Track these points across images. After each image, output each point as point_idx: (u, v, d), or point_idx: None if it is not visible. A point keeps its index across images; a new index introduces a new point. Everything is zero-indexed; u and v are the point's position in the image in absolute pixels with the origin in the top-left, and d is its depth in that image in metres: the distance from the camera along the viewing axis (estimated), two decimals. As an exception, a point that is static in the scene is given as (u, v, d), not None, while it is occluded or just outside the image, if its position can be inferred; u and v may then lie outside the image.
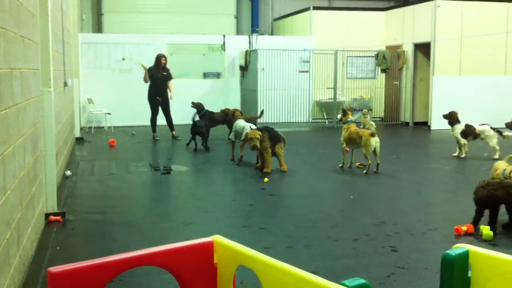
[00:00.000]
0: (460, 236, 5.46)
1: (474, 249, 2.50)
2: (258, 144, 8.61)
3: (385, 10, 17.83)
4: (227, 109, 12.24)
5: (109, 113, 14.36)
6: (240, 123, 9.87)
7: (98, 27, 19.11)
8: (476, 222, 5.69)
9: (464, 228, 5.53)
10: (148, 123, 12.88)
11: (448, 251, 2.47)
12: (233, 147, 9.93)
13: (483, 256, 2.46)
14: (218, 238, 2.79)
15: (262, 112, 12.77)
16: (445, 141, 12.86)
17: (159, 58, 12.68)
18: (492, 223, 5.63)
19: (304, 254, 5.07)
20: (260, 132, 8.71)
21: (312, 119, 16.44)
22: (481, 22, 15.06)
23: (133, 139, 12.77)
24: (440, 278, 2.47)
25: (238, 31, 19.95)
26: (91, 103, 14.38)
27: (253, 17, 20.31)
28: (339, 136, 13.36)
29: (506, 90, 15.27)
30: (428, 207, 6.83)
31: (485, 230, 5.47)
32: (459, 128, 10.36)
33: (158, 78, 12.59)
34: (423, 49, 15.81)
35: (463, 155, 10.26)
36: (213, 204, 6.95)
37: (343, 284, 2.15)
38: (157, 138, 12.56)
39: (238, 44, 16.48)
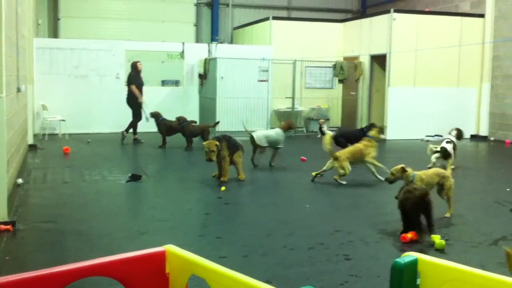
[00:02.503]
0: (411, 244, 5.55)
1: (423, 257, 2.55)
2: (213, 158, 8.57)
3: (342, 21, 18.15)
4: (181, 116, 12.33)
5: (63, 120, 14.08)
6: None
7: (54, 32, 18.76)
8: (405, 229, 5.77)
9: (409, 235, 5.65)
10: (105, 130, 12.77)
11: (397, 259, 2.51)
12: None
13: (431, 264, 2.51)
14: (170, 248, 2.76)
15: (217, 123, 12.83)
16: (400, 151, 13.14)
17: (136, 64, 13.32)
18: (414, 228, 5.71)
19: (260, 263, 5.06)
20: (217, 143, 8.64)
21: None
22: (435, 35, 15.48)
23: (88, 147, 12.54)
24: (390, 286, 2.51)
25: (198, 39, 19.94)
26: (45, 110, 14.07)
27: (213, 25, 20.34)
28: (296, 145, 13.52)
29: (458, 101, 15.73)
30: (382, 216, 6.92)
31: (437, 239, 5.59)
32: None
33: (141, 84, 13.28)
34: (379, 60, 16.14)
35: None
36: (169, 213, 6.88)
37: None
38: (142, 141, 13.01)
39: (197, 52, 16.46)
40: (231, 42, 20.27)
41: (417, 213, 5.71)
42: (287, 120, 11.90)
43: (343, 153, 8.86)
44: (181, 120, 12.39)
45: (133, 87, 13.09)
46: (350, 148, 9.11)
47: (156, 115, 12.59)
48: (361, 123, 16.68)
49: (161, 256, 2.73)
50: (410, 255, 2.54)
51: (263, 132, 10.54)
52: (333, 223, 6.43)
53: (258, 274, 4.70)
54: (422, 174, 6.75)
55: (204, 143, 8.83)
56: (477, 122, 16.00)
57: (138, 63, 13.31)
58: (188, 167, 10.46)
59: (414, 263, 2.50)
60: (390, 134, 15.21)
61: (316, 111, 17.03)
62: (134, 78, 13.19)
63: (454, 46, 15.49)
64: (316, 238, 5.81)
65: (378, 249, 5.50)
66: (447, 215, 6.76)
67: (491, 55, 15.95)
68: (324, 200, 7.83)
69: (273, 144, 10.23)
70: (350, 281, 4.59)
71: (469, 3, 16.92)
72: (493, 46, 15.86)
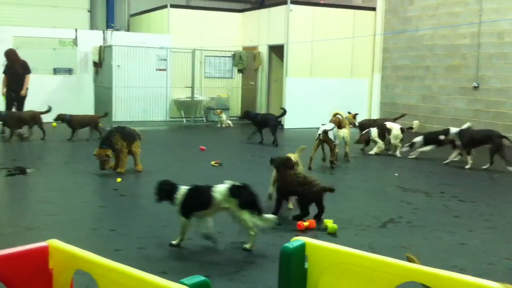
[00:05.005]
0: (305, 231, 5.69)
1: (310, 241, 2.61)
2: (107, 166, 8.34)
3: (241, 11, 18.22)
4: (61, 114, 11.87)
5: None
6: None
7: None
8: (276, 210, 6.09)
9: (306, 223, 5.79)
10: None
11: (286, 244, 2.55)
12: None
13: (318, 248, 2.58)
14: (54, 243, 2.63)
15: (106, 114, 12.42)
16: (298, 139, 13.44)
17: (8, 54, 12.28)
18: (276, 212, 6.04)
19: (156, 254, 4.98)
20: (108, 152, 8.33)
21: (170, 118, 16.32)
22: (329, 27, 15.98)
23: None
24: (279, 270, 2.54)
25: (92, 26, 19.18)
26: None
27: (108, 12, 19.65)
28: (197, 135, 13.44)
29: (352, 91, 16.36)
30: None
31: (329, 223, 5.78)
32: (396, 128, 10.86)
33: (14, 74, 12.11)
34: (277, 51, 16.40)
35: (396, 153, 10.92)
36: (61, 206, 6.59)
37: (182, 283, 2.12)
38: (25, 135, 12.01)
39: (91, 39, 15.88)
40: (128, 29, 19.71)
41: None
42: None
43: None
44: (61, 116, 11.83)
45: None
46: None
47: (61, 118, 11.91)
48: (261, 112, 16.89)
49: (44, 252, 2.60)
50: (298, 240, 2.59)
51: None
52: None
53: (154, 266, 4.62)
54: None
55: (95, 153, 8.37)
56: (369, 111, 16.74)
57: (12, 53, 12.31)
58: (83, 159, 10.06)
59: (302, 247, 2.55)
60: (288, 123, 15.54)
61: (216, 101, 17.04)
62: (4, 72, 12.33)
63: (348, 38, 16.07)
64: (214, 227, 5.79)
65: (275, 236, 5.58)
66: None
67: (381, 47, 16.74)
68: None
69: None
70: (246, 267, 4.64)
71: (362, -3, 17.63)
72: (383, 38, 16.64)
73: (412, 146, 10.67)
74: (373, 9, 16.71)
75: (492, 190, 8.26)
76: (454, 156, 10.23)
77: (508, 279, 4.51)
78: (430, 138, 10.62)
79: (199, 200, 5.05)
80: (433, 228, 6.00)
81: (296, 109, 15.50)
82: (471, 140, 9.90)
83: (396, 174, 9.25)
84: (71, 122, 11.87)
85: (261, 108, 16.94)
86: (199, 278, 2.16)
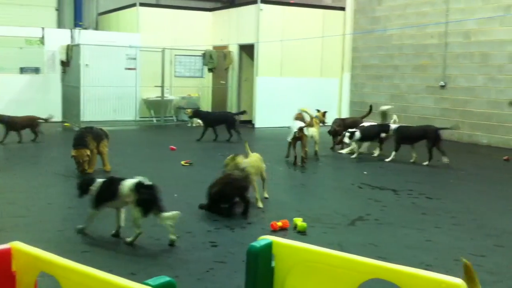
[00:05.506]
0: (277, 231, 5.71)
1: (277, 240, 2.61)
2: (87, 167, 8.20)
3: (212, 10, 18.17)
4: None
5: None
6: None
7: None
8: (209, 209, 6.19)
9: (279, 223, 5.79)
10: None
11: (253, 243, 2.55)
12: None
13: (285, 246, 2.59)
14: (16, 245, 2.58)
15: (48, 117, 11.81)
16: (268, 138, 13.50)
17: None
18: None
19: (125, 255, 4.93)
20: (88, 152, 8.18)
21: (140, 117, 16.18)
22: (299, 26, 16.04)
23: None
24: (246, 269, 2.54)
25: (60, 25, 18.87)
26: None
27: (76, 10, 19.36)
28: (167, 134, 13.35)
29: (322, 91, 16.45)
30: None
31: (299, 222, 5.81)
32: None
33: None
34: (248, 50, 16.40)
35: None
36: (27, 208, 6.46)
37: (146, 284, 2.10)
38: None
39: (59, 38, 15.62)
40: (96, 28, 19.45)
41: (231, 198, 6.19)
42: None
43: None
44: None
45: None
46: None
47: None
48: (231, 111, 16.87)
49: (6, 254, 2.55)
50: (265, 239, 2.59)
51: None
52: (199, 211, 6.42)
53: (122, 267, 4.58)
54: (249, 161, 6.91)
55: (73, 154, 8.16)
56: (339, 110, 16.87)
57: None
58: (51, 160, 9.91)
59: (268, 246, 2.56)
60: (258, 122, 15.56)
61: (186, 100, 16.95)
62: None
63: (318, 37, 16.16)
64: (183, 227, 5.76)
65: (244, 235, 5.60)
66: (266, 196, 7.07)
67: (351, 47, 16.89)
68: (193, 189, 7.79)
69: None
70: (215, 267, 4.62)
71: (331, -3, 17.75)
72: (352, 38, 16.79)
73: (350, 137, 10.49)
74: (343, 9, 16.85)
75: (458, 187, 8.41)
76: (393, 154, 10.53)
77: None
78: (367, 134, 10.61)
79: (108, 191, 5.24)
80: (400, 225, 6.08)
81: (267, 108, 15.54)
82: (408, 137, 10.22)
83: (365, 172, 9.35)
84: (8, 123, 11.38)
85: (231, 108, 16.93)
86: (164, 278, 2.14)
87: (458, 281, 2.24)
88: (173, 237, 5.12)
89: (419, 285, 2.22)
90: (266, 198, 7.04)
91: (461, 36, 13.69)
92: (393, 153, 10.23)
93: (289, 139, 9.73)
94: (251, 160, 6.95)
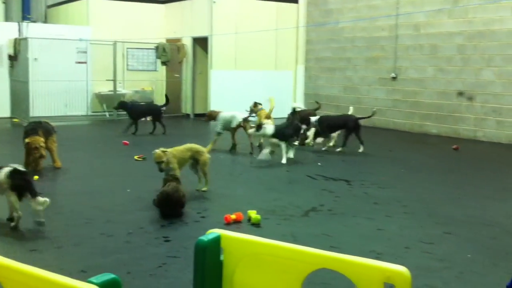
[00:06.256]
0: (230, 224, 5.70)
1: (225, 233, 2.60)
2: (44, 152, 7.96)
3: (164, 3, 17.93)
4: None
5: None
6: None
7: None
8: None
9: (233, 216, 5.78)
10: None
11: (201, 237, 2.53)
12: None
13: (233, 239, 2.58)
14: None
15: None
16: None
17: None
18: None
19: (75, 253, 4.83)
20: (42, 139, 7.94)
21: (92, 112, 15.86)
22: (253, 19, 16.03)
23: None
24: (194, 264, 2.52)
25: (7, 18, 18.31)
26: None
27: (24, 3, 18.84)
28: (120, 129, 13.12)
29: (277, 83, 16.50)
30: (202, 195, 7.01)
31: (253, 214, 5.81)
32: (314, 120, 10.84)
33: None
34: (202, 43, 16.29)
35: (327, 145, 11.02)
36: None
37: (90, 282, 2.05)
38: None
39: (6, 32, 15.13)
40: (45, 21, 18.93)
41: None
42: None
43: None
44: None
45: None
46: None
47: None
48: (186, 105, 16.78)
49: None
50: (213, 232, 2.58)
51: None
52: (154, 206, 6.34)
53: (72, 265, 4.49)
54: (173, 151, 6.76)
55: (28, 140, 7.88)
56: (294, 103, 16.96)
57: None
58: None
59: (217, 240, 2.54)
60: (214, 115, 15.49)
61: (140, 94, 16.71)
62: None
63: (271, 30, 16.19)
64: (136, 223, 5.70)
65: (197, 229, 5.55)
66: (204, 189, 7.05)
67: (304, 39, 16.99)
68: (146, 184, 7.69)
69: None
70: (168, 262, 4.58)
71: (284, -11, 17.78)
72: (306, 31, 16.89)
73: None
74: (296, 1, 16.91)
75: (409, 176, 8.60)
76: (320, 141, 10.96)
77: (422, 261, 4.72)
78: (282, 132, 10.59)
79: None
80: (352, 215, 6.17)
81: (222, 101, 15.47)
82: (329, 126, 10.62)
83: (319, 164, 9.44)
84: None
85: (186, 101, 16.80)
86: (108, 276, 2.10)
87: (402, 269, 2.28)
88: (42, 220, 5.49)
89: (364, 274, 2.26)
90: (204, 191, 7.01)
91: (411, 28, 13.96)
92: (331, 141, 10.77)
93: (226, 127, 10.45)
94: (177, 150, 6.82)
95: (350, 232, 5.57)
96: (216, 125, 10.61)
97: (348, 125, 10.45)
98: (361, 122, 10.59)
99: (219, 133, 10.44)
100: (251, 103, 11.35)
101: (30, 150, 7.84)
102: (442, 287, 4.18)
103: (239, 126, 10.33)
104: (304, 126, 10.60)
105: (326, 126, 10.61)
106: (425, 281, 4.25)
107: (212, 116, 10.97)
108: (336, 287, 3.95)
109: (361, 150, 10.36)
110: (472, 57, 12.69)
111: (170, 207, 5.94)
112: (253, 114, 11.17)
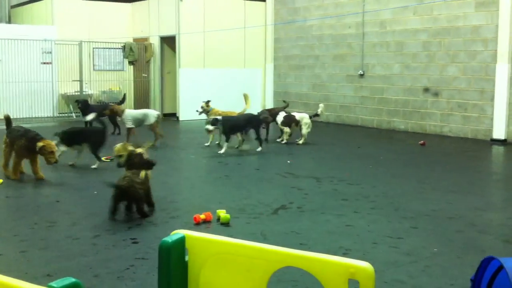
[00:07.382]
0: (199, 224, 5.67)
1: (190, 233, 2.58)
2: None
3: (131, 1, 17.75)
4: None
5: None
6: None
7: None
8: (112, 214, 5.76)
9: (202, 216, 5.74)
10: None
11: (165, 238, 2.51)
12: None
13: (198, 240, 2.56)
14: None
15: None
16: (193, 131, 13.40)
17: None
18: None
19: (40, 257, 4.74)
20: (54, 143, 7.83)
21: (58, 113, 15.61)
22: (221, 17, 15.98)
23: None
24: (158, 265, 2.50)
25: (-31, 18, 17.90)
26: None
27: (-13, 3, 18.41)
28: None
29: (246, 81, 16.50)
30: (172, 196, 6.98)
31: (222, 214, 5.79)
32: (280, 117, 11.20)
33: None
34: (169, 42, 16.18)
35: (284, 141, 11.25)
36: None
37: (50, 286, 2.01)
38: None
39: (-32, 33, 14.78)
40: (9, 21, 18.56)
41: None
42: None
43: None
44: None
45: None
46: None
47: None
48: (154, 105, 16.64)
49: None
50: (178, 233, 2.55)
51: None
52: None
53: (38, 269, 4.40)
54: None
55: (42, 144, 7.57)
56: (263, 101, 17.00)
57: None
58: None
59: (181, 241, 2.52)
60: (183, 115, 15.42)
61: (107, 94, 16.52)
62: None
63: (239, 28, 16.18)
64: (102, 225, 5.62)
65: (166, 230, 5.46)
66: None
67: (273, 37, 17.02)
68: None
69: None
70: (136, 264, 4.53)
71: (251, -12, 17.77)
72: (274, 29, 16.92)
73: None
74: (263, 0, 16.93)
75: (377, 172, 8.68)
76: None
77: (389, 256, 4.77)
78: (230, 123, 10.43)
79: None
80: (321, 212, 6.21)
81: (191, 100, 15.38)
82: (233, 126, 10.23)
83: (288, 161, 9.47)
84: None
85: (154, 101, 16.67)
86: (69, 280, 2.06)
87: (366, 264, 2.30)
88: None
89: (328, 270, 2.27)
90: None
91: (377, 25, 14.11)
92: (225, 144, 10.16)
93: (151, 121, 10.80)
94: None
95: (319, 229, 5.60)
96: (126, 122, 10.82)
97: (253, 124, 10.32)
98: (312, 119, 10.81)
99: (130, 128, 10.76)
100: (202, 103, 11.48)
101: (44, 154, 7.60)
102: (408, 281, 4.23)
103: (157, 122, 10.80)
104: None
105: (230, 127, 10.17)
106: (392, 276, 4.30)
107: (115, 111, 11.24)
108: (305, 285, 3.97)
109: (259, 149, 10.28)
110: (437, 53, 12.89)
111: (128, 202, 5.83)
112: (206, 113, 11.33)
